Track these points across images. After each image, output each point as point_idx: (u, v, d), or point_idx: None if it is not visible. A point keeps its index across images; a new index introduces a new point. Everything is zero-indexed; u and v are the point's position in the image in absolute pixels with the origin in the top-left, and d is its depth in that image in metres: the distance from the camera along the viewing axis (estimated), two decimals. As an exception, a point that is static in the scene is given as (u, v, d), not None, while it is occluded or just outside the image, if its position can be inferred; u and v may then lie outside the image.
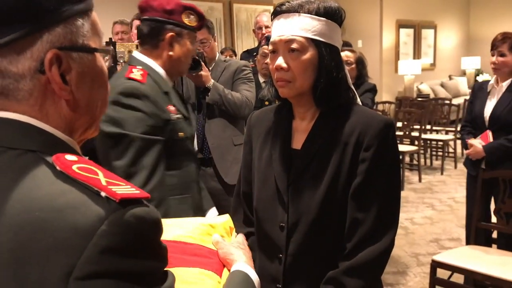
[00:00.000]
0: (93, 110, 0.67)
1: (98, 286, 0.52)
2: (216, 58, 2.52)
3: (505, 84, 2.63)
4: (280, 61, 1.09)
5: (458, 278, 2.64)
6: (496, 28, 7.33)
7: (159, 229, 0.58)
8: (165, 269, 0.60)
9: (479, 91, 2.78)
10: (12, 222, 0.53)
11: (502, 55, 2.59)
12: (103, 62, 0.67)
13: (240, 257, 0.90)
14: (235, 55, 4.44)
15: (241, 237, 1.08)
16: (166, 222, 0.93)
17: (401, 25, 8.46)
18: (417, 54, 8.94)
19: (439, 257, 2.43)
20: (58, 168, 0.57)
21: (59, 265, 0.51)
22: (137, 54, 1.65)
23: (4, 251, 0.53)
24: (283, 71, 1.09)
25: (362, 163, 1.07)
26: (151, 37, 1.60)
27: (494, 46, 2.62)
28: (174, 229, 0.88)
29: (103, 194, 0.54)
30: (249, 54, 3.87)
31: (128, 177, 1.46)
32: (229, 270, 0.89)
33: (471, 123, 2.81)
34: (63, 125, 0.63)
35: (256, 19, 3.51)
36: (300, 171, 1.12)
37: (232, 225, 1.02)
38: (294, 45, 1.07)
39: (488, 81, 2.77)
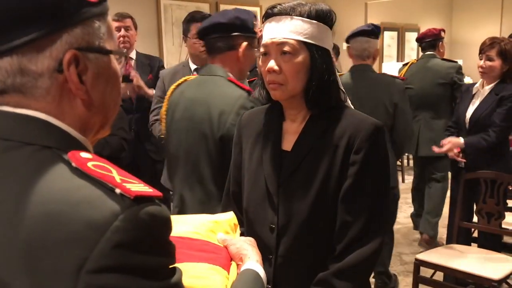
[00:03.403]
0: (106, 110, 0.68)
1: (109, 279, 0.53)
2: None
3: (488, 88, 2.66)
4: (272, 64, 1.09)
5: (440, 276, 2.70)
6: (478, 32, 7.45)
7: (169, 227, 0.60)
8: (173, 265, 0.61)
9: (466, 93, 2.82)
10: (27, 214, 0.54)
11: (490, 59, 2.59)
12: (117, 65, 0.69)
13: (254, 255, 0.91)
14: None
15: (252, 238, 1.05)
16: (172, 219, 0.94)
17: (385, 28, 8.55)
18: (400, 56, 9.05)
19: (422, 256, 2.48)
20: (73, 164, 0.57)
21: (71, 258, 0.52)
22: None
23: (19, 241, 0.54)
24: (275, 74, 1.10)
25: (352, 166, 1.08)
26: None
27: (483, 50, 2.63)
28: (180, 226, 0.89)
29: (117, 190, 0.55)
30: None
31: None
32: (237, 265, 0.89)
33: (456, 123, 2.86)
34: (77, 123, 0.65)
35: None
36: (290, 173, 1.13)
37: (237, 222, 1.02)
38: (286, 48, 1.08)
39: (476, 83, 2.80)
